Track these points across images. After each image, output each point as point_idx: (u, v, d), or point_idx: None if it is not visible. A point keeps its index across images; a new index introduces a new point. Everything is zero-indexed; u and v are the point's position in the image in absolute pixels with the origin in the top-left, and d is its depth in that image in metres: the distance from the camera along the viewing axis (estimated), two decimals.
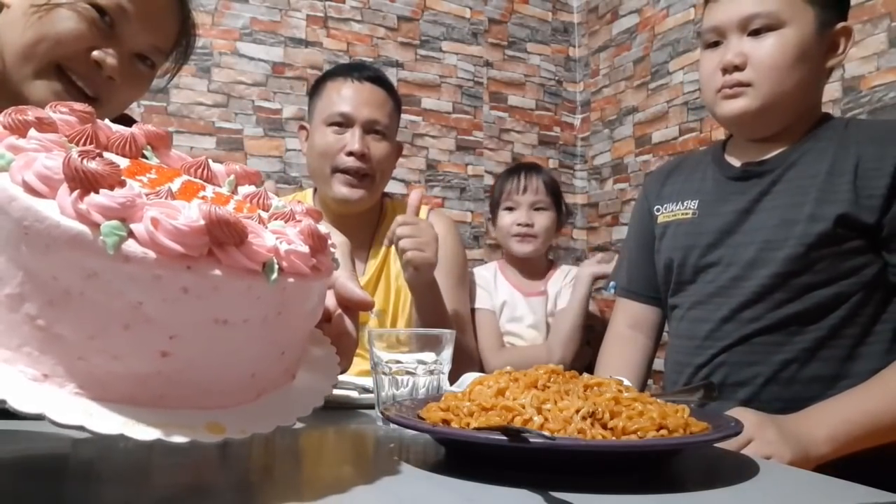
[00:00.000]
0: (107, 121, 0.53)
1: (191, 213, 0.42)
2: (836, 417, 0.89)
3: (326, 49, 2.29)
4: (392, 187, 2.21)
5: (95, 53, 0.84)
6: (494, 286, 1.89)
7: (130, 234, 0.40)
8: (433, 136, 2.45)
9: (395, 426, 0.66)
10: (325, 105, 1.46)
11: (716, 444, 0.63)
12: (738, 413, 0.82)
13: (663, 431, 0.56)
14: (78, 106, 0.51)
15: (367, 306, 0.61)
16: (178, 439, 0.41)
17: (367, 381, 0.92)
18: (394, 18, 2.41)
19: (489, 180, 2.51)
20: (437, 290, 1.33)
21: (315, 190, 1.56)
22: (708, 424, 0.60)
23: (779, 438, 0.84)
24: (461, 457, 0.59)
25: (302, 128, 1.58)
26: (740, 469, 0.59)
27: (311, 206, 0.60)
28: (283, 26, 2.23)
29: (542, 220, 1.89)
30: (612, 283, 1.40)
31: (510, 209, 1.90)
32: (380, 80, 1.49)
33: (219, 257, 0.43)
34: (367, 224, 1.51)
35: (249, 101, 2.17)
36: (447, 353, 0.79)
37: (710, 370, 1.07)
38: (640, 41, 2.45)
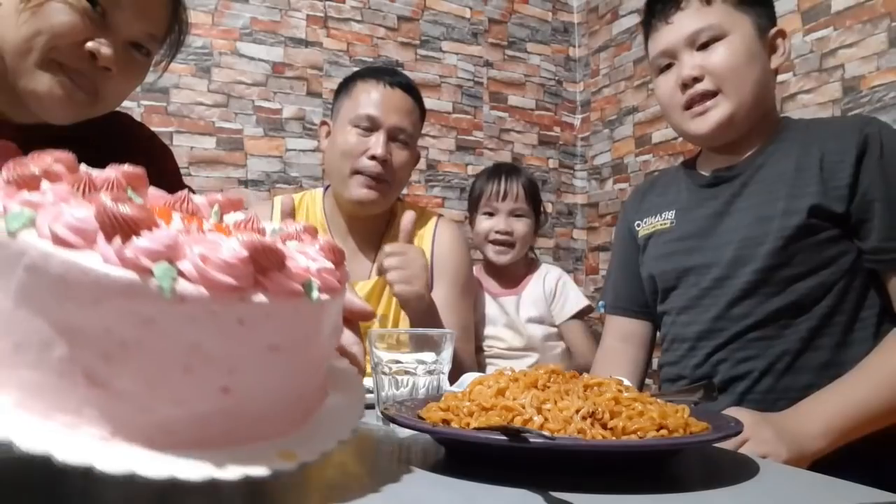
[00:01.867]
0: (83, 165, 0.52)
1: (233, 245, 0.42)
2: (828, 411, 0.91)
3: (326, 49, 2.29)
4: None
5: (90, 44, 0.83)
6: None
7: (180, 273, 0.40)
8: (433, 136, 2.45)
9: (395, 426, 0.66)
10: (352, 105, 1.45)
11: (715, 444, 0.63)
12: (734, 412, 0.82)
13: (663, 431, 0.56)
14: (58, 153, 0.50)
15: (368, 316, 0.61)
16: (261, 472, 0.41)
17: (368, 381, 0.93)
18: (394, 18, 2.41)
19: None
20: (433, 310, 1.33)
21: (325, 189, 1.56)
22: (708, 424, 0.60)
23: (774, 437, 0.85)
24: (461, 457, 0.59)
25: (324, 123, 1.57)
26: (740, 469, 0.59)
27: (308, 223, 0.60)
28: (283, 26, 2.23)
29: (521, 227, 1.87)
30: (601, 303, 1.42)
31: (489, 214, 1.88)
32: (410, 88, 1.50)
33: (265, 284, 0.43)
34: (377, 226, 1.51)
35: (249, 101, 2.17)
36: (447, 353, 0.79)
37: (706, 369, 1.08)
38: (640, 41, 2.44)
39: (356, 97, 1.45)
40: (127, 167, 0.55)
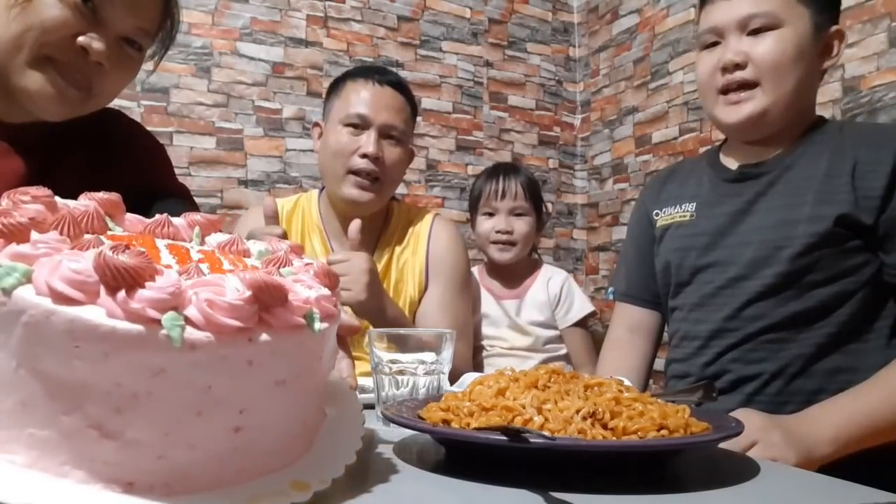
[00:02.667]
0: (57, 198, 0.51)
1: (236, 285, 0.42)
2: (839, 418, 0.90)
3: (326, 49, 2.29)
4: None
5: (81, 39, 0.83)
6: (478, 291, 1.88)
7: (187, 321, 0.40)
8: (433, 136, 2.45)
9: (395, 426, 0.66)
10: (342, 105, 1.45)
11: (717, 445, 0.63)
12: (743, 414, 0.82)
13: (664, 432, 0.56)
14: (34, 191, 0.48)
15: (356, 331, 0.61)
16: None
17: (368, 381, 0.92)
18: (394, 18, 2.41)
19: None
20: (385, 314, 1.32)
21: (321, 190, 1.56)
22: (709, 425, 0.60)
23: (783, 441, 0.84)
24: (461, 457, 0.59)
25: (316, 125, 1.57)
26: (741, 469, 0.59)
27: (294, 242, 0.61)
28: (283, 26, 2.23)
29: (522, 226, 1.86)
30: (610, 290, 1.41)
31: (489, 214, 1.88)
32: (400, 86, 1.49)
33: (269, 321, 0.43)
34: (373, 226, 1.50)
35: (249, 101, 2.17)
36: (447, 353, 0.79)
37: (716, 368, 1.07)
38: (640, 41, 2.44)
39: (346, 97, 1.45)
40: (102, 195, 0.54)
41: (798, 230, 1.01)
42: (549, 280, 1.89)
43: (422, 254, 1.50)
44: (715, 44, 1.11)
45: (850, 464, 0.85)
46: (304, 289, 0.49)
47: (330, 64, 2.27)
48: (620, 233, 2.44)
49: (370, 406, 0.83)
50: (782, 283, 1.02)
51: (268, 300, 0.43)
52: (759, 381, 1.02)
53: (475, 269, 1.94)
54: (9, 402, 0.39)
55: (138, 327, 0.38)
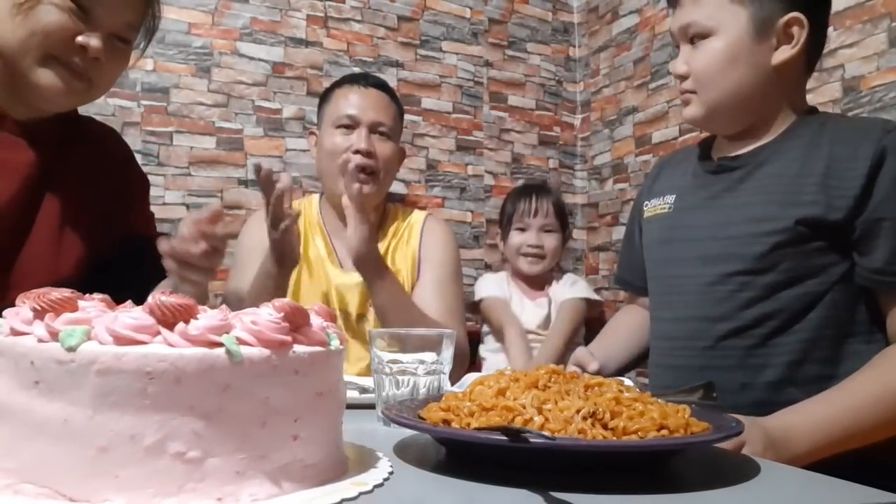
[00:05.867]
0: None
1: (268, 311, 0.49)
2: (815, 430, 0.88)
3: (326, 49, 2.29)
4: (393, 187, 2.21)
5: (80, 38, 0.93)
6: (508, 291, 2.10)
7: (239, 340, 0.46)
8: (433, 136, 2.45)
9: (396, 426, 0.66)
10: (332, 110, 1.56)
11: (715, 444, 0.63)
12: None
13: (664, 432, 0.56)
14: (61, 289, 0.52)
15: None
16: (352, 493, 0.48)
17: (368, 381, 0.92)
18: (394, 18, 2.41)
19: (489, 180, 2.51)
20: (383, 271, 1.39)
21: (321, 196, 1.64)
22: (709, 424, 0.60)
23: (762, 444, 0.82)
24: (461, 457, 0.59)
25: (311, 133, 1.67)
26: (740, 469, 0.59)
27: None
28: (283, 26, 2.23)
29: (551, 241, 2.09)
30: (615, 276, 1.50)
31: (521, 230, 2.09)
32: (384, 87, 1.61)
33: (301, 339, 0.50)
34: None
35: (249, 101, 2.17)
36: (448, 353, 0.79)
37: (690, 374, 1.04)
38: (641, 41, 2.44)
39: (336, 102, 1.57)
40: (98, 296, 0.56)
41: (762, 228, 0.99)
42: (566, 276, 2.17)
43: (414, 245, 1.58)
44: (677, 48, 1.14)
45: (851, 463, 0.85)
46: (314, 316, 0.55)
47: (330, 64, 2.27)
48: (620, 233, 2.43)
49: (370, 406, 0.83)
50: (743, 283, 1.00)
51: (297, 321, 0.50)
52: (732, 390, 0.98)
53: (504, 274, 2.19)
54: (90, 451, 0.42)
55: (203, 350, 0.44)
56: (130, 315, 0.45)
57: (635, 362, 1.29)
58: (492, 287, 2.10)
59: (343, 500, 0.46)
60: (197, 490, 0.43)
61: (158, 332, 0.45)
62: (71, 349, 0.43)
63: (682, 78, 1.09)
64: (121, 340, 0.43)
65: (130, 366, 0.42)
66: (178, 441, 0.43)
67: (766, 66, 1.04)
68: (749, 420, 0.84)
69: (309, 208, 1.62)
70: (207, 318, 0.46)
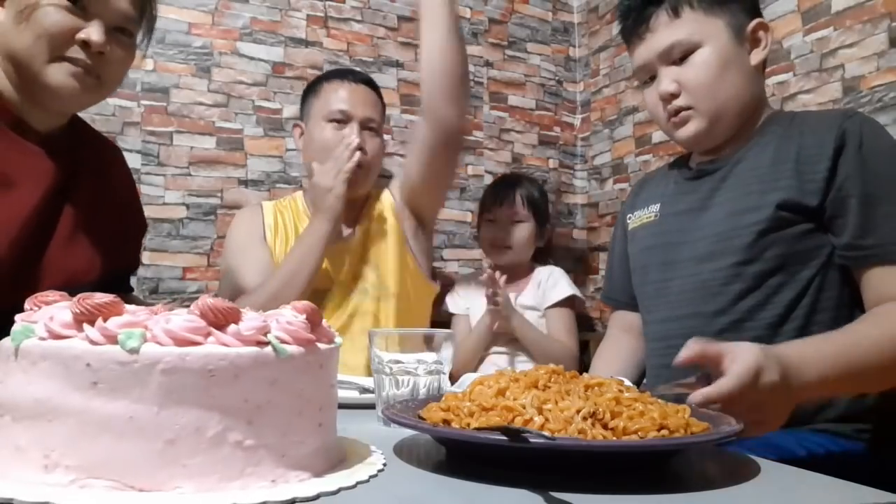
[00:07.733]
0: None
1: (291, 312, 0.55)
2: (823, 359, 0.87)
3: (326, 49, 2.29)
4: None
5: (80, 34, 0.96)
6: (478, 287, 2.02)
7: (280, 339, 0.51)
8: None
9: (396, 426, 0.66)
10: (323, 104, 1.61)
11: (717, 445, 0.63)
12: (746, 348, 0.79)
13: (664, 432, 0.56)
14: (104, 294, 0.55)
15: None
16: (365, 475, 0.54)
17: (368, 381, 0.92)
18: (394, 18, 2.41)
19: (489, 180, 2.51)
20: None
21: (304, 191, 1.72)
22: (709, 425, 0.60)
23: (780, 373, 0.80)
24: (461, 457, 0.59)
25: (296, 126, 1.73)
26: (741, 469, 0.59)
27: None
28: (283, 26, 2.23)
29: (521, 232, 2.04)
30: (603, 294, 1.50)
31: (490, 221, 2.08)
32: (372, 84, 1.70)
33: (319, 337, 0.55)
34: (354, 206, 1.66)
35: (249, 101, 2.17)
36: (447, 353, 0.79)
37: (687, 370, 1.05)
38: None
39: (325, 96, 1.63)
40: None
41: (745, 219, 1.03)
42: (540, 270, 2.09)
43: (392, 221, 1.68)
44: (652, 78, 1.16)
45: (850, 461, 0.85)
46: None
47: (330, 64, 2.27)
48: None
49: (370, 406, 0.83)
50: (735, 274, 1.03)
51: (314, 320, 0.56)
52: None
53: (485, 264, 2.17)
54: (158, 444, 0.46)
55: (255, 349, 0.49)
56: (184, 317, 0.49)
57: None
58: (459, 303, 2.08)
59: (370, 477, 0.53)
60: (255, 474, 0.48)
61: (210, 334, 0.49)
62: (133, 350, 0.46)
63: (674, 96, 1.11)
64: (179, 341, 0.47)
65: (194, 364, 0.46)
66: (236, 431, 0.48)
67: (749, 69, 1.11)
68: (761, 348, 0.83)
69: (294, 203, 1.71)
70: (251, 318, 0.51)
